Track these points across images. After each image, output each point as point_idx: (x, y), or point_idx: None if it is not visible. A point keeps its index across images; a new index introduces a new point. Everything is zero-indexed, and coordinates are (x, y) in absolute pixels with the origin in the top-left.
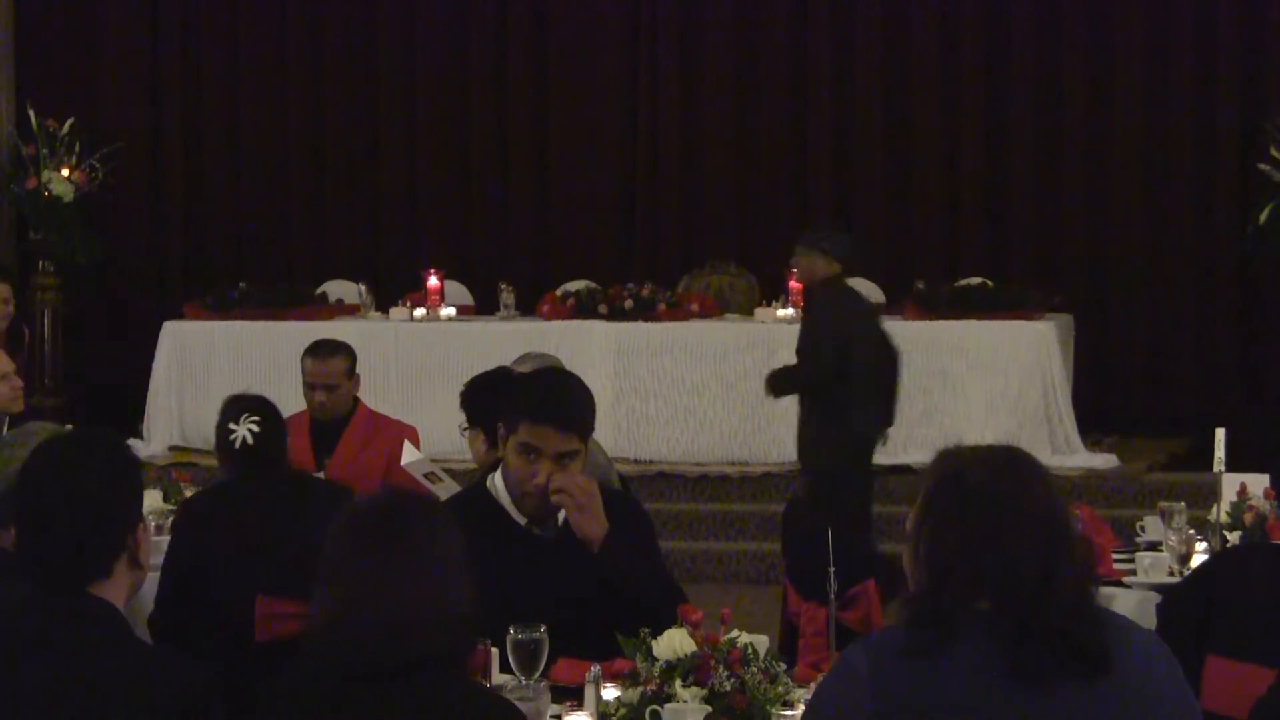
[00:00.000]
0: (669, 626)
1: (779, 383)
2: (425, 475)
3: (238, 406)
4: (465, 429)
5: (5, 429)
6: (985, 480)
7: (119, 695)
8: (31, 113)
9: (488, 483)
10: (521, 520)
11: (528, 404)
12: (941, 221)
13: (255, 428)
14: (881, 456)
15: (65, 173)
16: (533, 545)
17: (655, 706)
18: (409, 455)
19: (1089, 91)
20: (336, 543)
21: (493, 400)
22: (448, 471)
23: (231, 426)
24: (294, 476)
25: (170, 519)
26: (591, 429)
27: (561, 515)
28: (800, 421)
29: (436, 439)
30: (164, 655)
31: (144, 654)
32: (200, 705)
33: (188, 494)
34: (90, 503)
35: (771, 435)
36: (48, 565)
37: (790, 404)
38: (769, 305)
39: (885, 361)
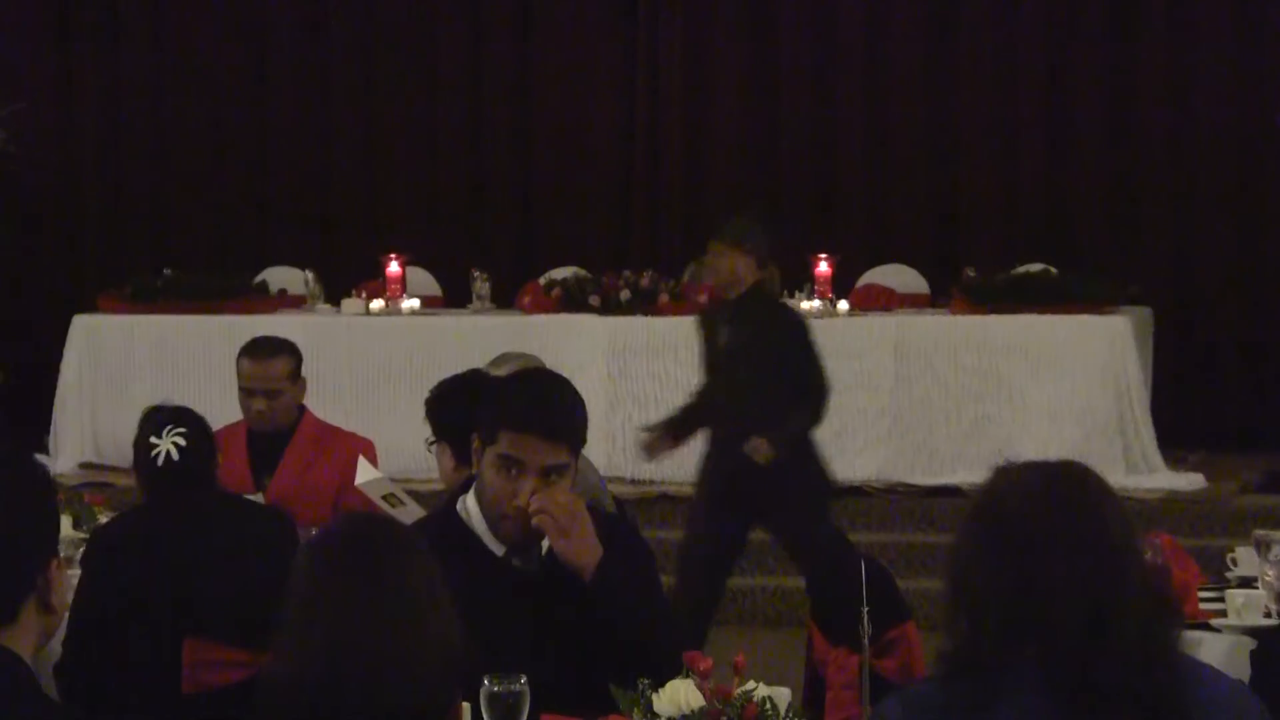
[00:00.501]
0: (672, 676)
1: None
2: (384, 497)
3: (159, 418)
4: (431, 442)
5: None
6: (1025, 504)
7: None
8: None
9: (458, 505)
10: (498, 550)
11: (509, 409)
12: (995, 198)
13: (181, 441)
14: (925, 476)
15: None
16: (511, 580)
17: None
18: (365, 474)
19: (1169, 52)
20: (301, 582)
21: (464, 408)
22: (410, 493)
23: (153, 441)
24: (226, 500)
25: (80, 549)
26: (583, 441)
27: (546, 543)
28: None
29: (397, 454)
30: (73, 715)
31: (51, 713)
32: None
33: (102, 519)
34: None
35: None
36: None
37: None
38: (791, 296)
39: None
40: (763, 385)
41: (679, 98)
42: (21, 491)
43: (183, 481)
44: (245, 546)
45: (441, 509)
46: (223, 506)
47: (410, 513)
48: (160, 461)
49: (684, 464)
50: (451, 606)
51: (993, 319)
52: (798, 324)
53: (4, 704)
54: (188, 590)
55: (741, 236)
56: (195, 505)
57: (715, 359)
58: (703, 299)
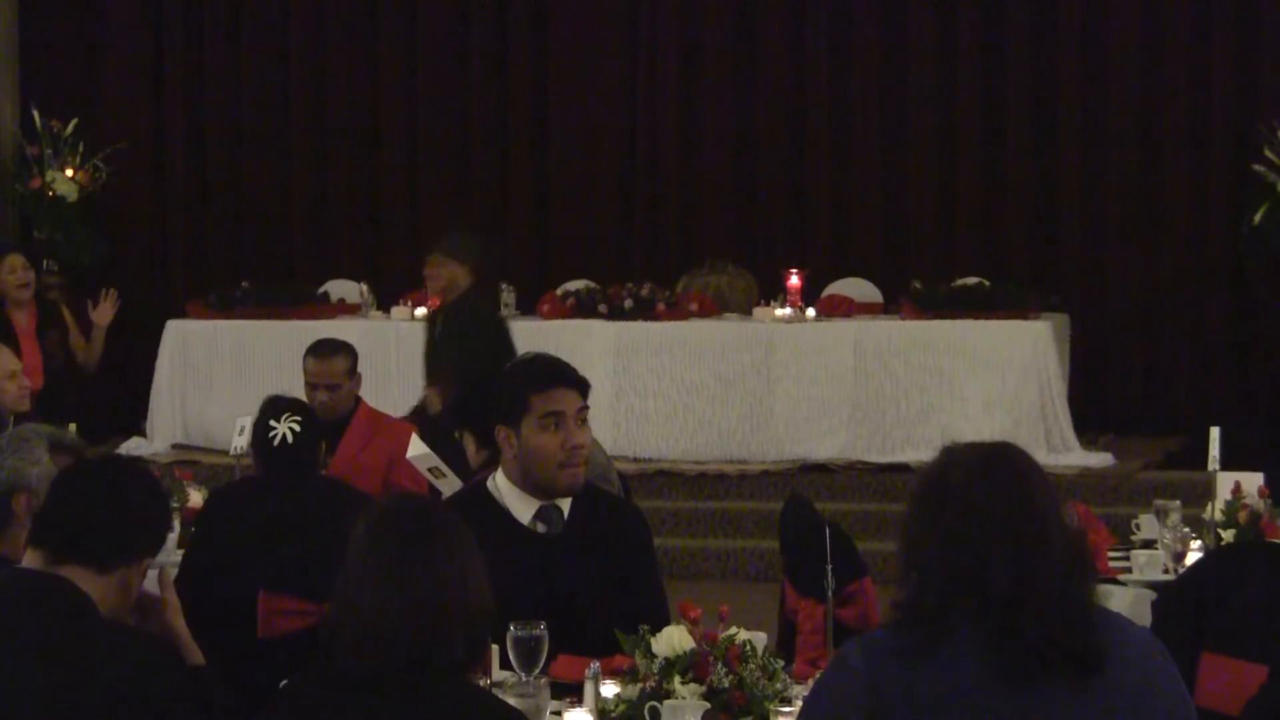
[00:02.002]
0: (667, 624)
1: None
2: (430, 470)
3: (279, 405)
4: (457, 435)
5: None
6: (963, 478)
7: (80, 669)
8: (36, 113)
9: (488, 483)
10: (525, 518)
11: (532, 378)
12: (938, 221)
13: (296, 427)
14: (880, 455)
15: (69, 173)
16: (535, 543)
17: (654, 703)
18: (415, 449)
19: (1084, 92)
20: (363, 544)
21: (480, 401)
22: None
23: (272, 424)
24: (324, 480)
25: (173, 517)
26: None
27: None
28: None
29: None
30: (124, 633)
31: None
32: (159, 683)
33: (191, 492)
34: (129, 506)
35: (770, 434)
36: (66, 540)
37: (790, 401)
38: (768, 304)
39: None
40: (460, 376)
41: (675, 137)
42: (152, 491)
43: (293, 461)
44: (324, 516)
45: (474, 487)
46: (319, 485)
47: (450, 484)
48: (276, 441)
49: (676, 443)
50: (483, 565)
51: (936, 323)
52: (497, 326)
53: (69, 621)
54: (270, 549)
55: (456, 248)
56: (298, 481)
57: (429, 352)
58: (693, 307)
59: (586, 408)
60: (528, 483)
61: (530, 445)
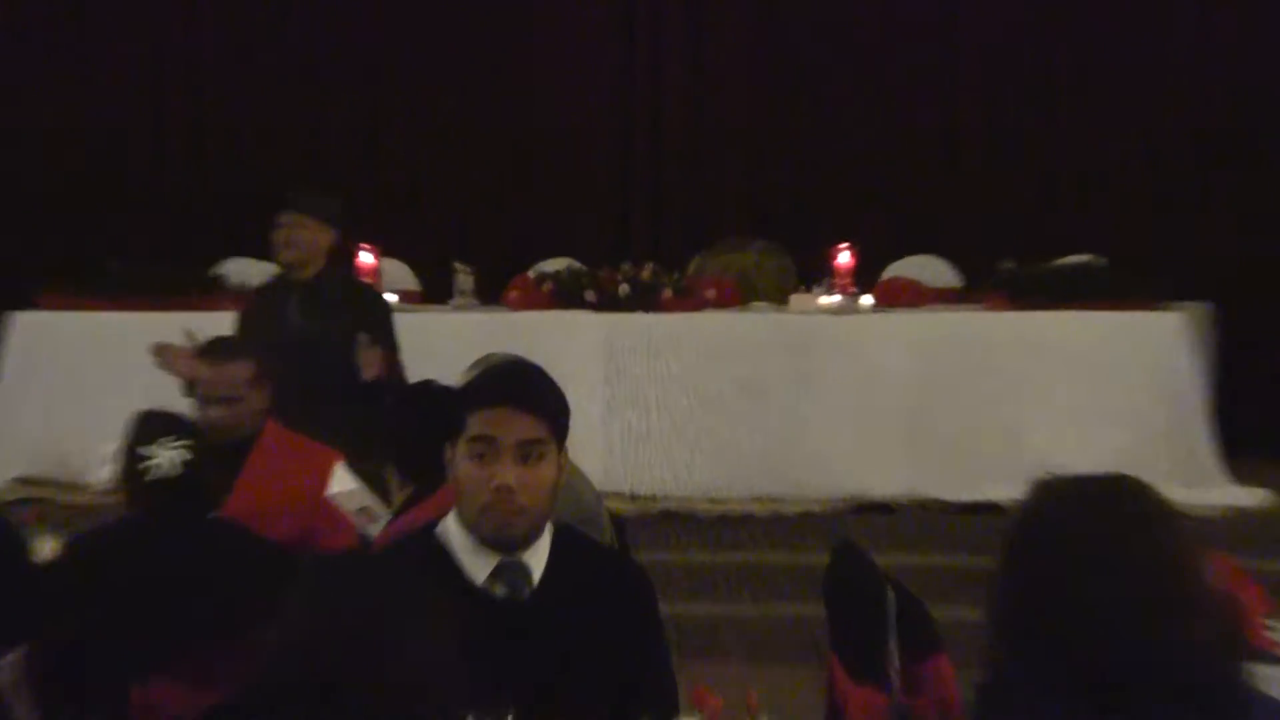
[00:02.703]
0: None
1: None
2: (359, 511)
3: (158, 425)
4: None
5: None
6: (1069, 522)
7: None
8: None
9: (438, 527)
10: (479, 576)
11: (474, 389)
12: (1036, 181)
13: (181, 455)
14: (956, 490)
15: None
16: (494, 612)
17: None
18: (341, 483)
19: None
20: (307, 611)
21: (426, 423)
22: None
23: (149, 450)
24: (222, 528)
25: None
26: (564, 427)
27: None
28: None
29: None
30: None
31: None
32: None
33: (42, 541)
34: None
35: (811, 463)
36: None
37: (838, 418)
38: (809, 290)
39: None
40: (334, 375)
41: (682, 75)
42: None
43: (178, 499)
44: (219, 574)
45: (419, 530)
46: (211, 531)
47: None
48: (155, 474)
49: (687, 475)
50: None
51: (1032, 316)
52: (382, 309)
53: None
54: (147, 619)
55: (322, 207)
56: (184, 527)
57: (282, 341)
58: (711, 294)
59: (541, 443)
60: (470, 527)
61: (456, 475)
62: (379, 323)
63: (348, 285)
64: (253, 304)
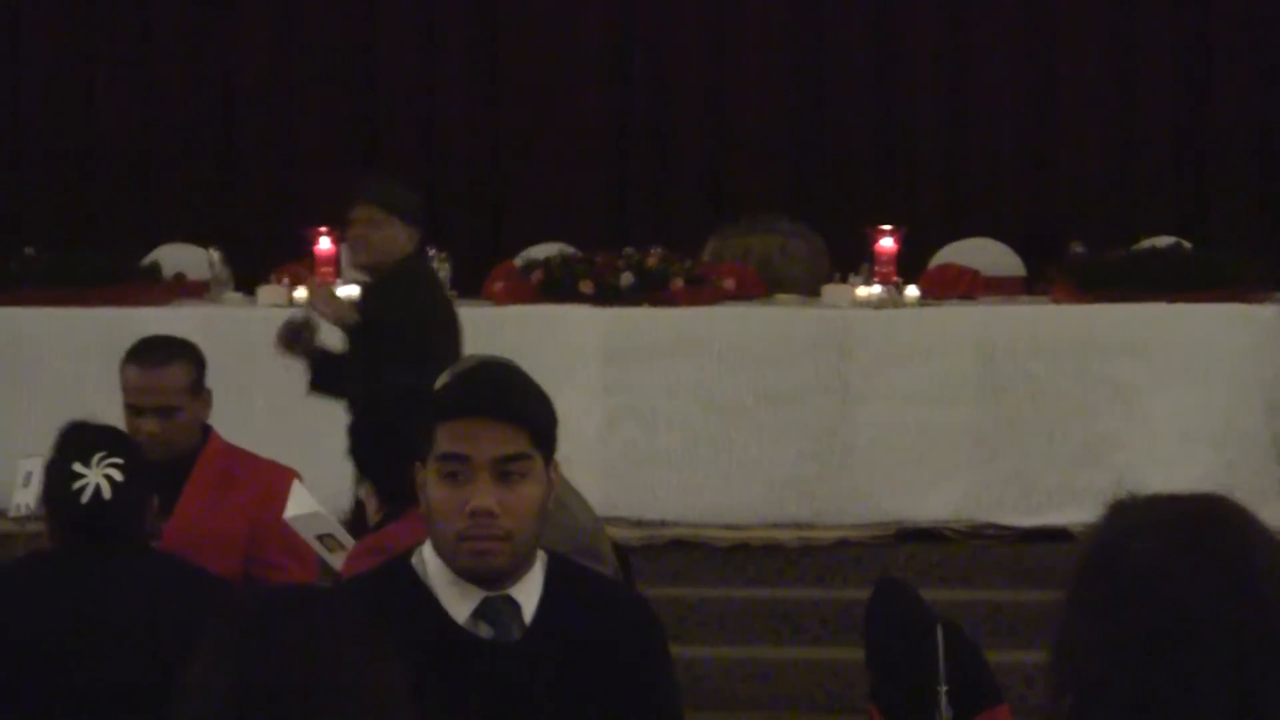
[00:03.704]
0: None
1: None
2: (320, 538)
3: (87, 441)
4: (358, 482)
5: None
6: (1152, 553)
7: None
8: None
9: (413, 558)
10: (461, 614)
11: (443, 398)
12: (1111, 154)
13: (114, 474)
14: (1020, 515)
15: None
16: (478, 653)
17: None
18: (298, 505)
19: None
20: (218, 668)
21: (391, 434)
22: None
23: (77, 469)
24: (158, 560)
25: None
26: (551, 438)
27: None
28: None
29: (328, 492)
30: None
31: None
32: None
33: None
34: None
35: (848, 482)
36: None
37: (880, 430)
38: (845, 280)
39: None
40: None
41: (691, 27)
42: None
43: (110, 527)
44: (154, 611)
45: (391, 562)
46: (147, 563)
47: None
48: (85, 497)
49: (701, 497)
50: (404, 687)
51: (1107, 309)
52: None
53: None
54: (73, 664)
55: (395, 199)
56: (116, 558)
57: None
58: (729, 284)
59: (522, 456)
60: (447, 558)
61: (428, 500)
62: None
63: (424, 287)
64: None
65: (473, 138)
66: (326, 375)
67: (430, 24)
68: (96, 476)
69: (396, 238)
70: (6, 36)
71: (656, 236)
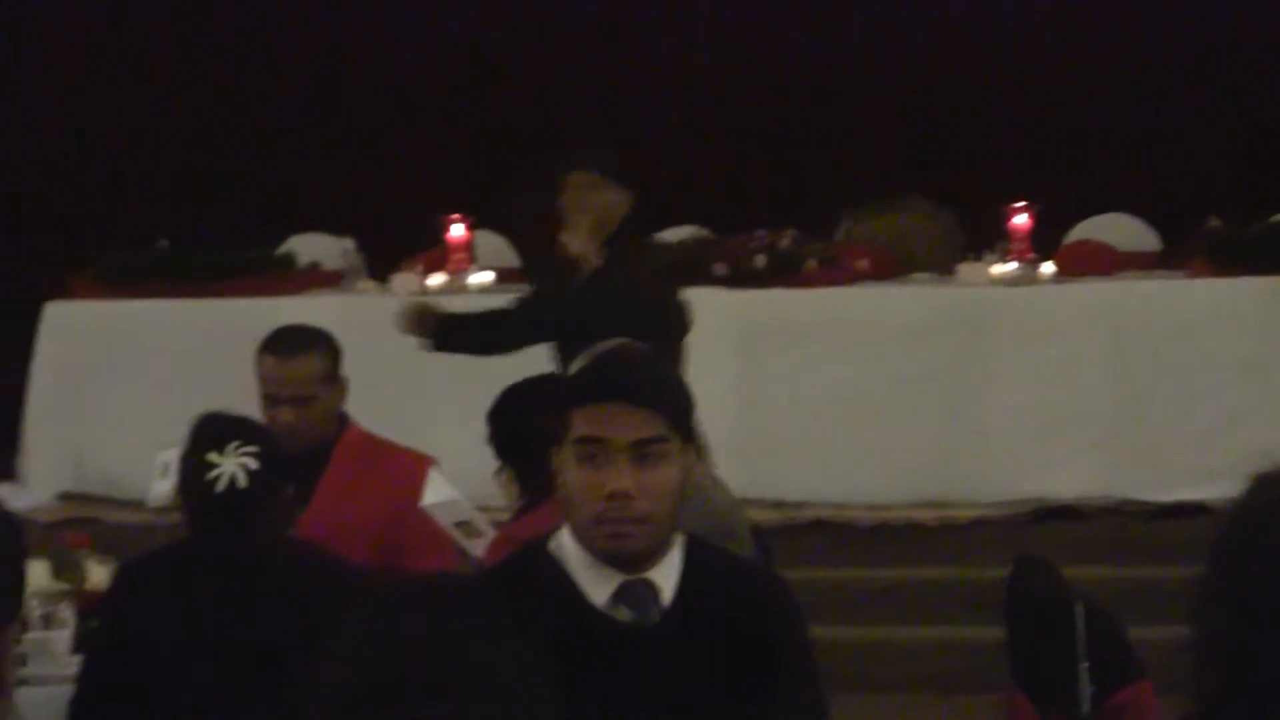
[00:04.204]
0: None
1: None
2: (457, 525)
3: (221, 431)
4: (498, 470)
5: None
6: None
7: None
8: None
9: (550, 543)
10: (600, 598)
11: (579, 383)
12: (1246, 127)
13: (251, 463)
14: (1156, 489)
15: None
16: (617, 638)
17: None
18: (437, 493)
19: None
20: (360, 659)
21: (531, 421)
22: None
23: (212, 459)
24: (296, 548)
25: (64, 604)
26: (688, 422)
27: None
28: None
29: (465, 481)
30: None
31: None
32: None
33: (90, 566)
34: None
35: (986, 461)
36: None
37: (1016, 409)
38: (979, 259)
39: None
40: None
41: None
42: None
43: (245, 516)
44: (290, 600)
45: (532, 548)
46: (283, 552)
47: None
48: (220, 487)
49: (839, 478)
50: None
51: (1247, 283)
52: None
53: None
54: (209, 652)
55: (613, 166)
56: (252, 547)
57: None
58: (863, 265)
59: (661, 441)
60: (584, 542)
61: (565, 483)
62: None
63: (647, 257)
64: (544, 276)
65: (600, 120)
66: (452, 337)
67: (552, 6)
68: (231, 466)
69: (612, 203)
70: (140, 32)
71: (789, 217)
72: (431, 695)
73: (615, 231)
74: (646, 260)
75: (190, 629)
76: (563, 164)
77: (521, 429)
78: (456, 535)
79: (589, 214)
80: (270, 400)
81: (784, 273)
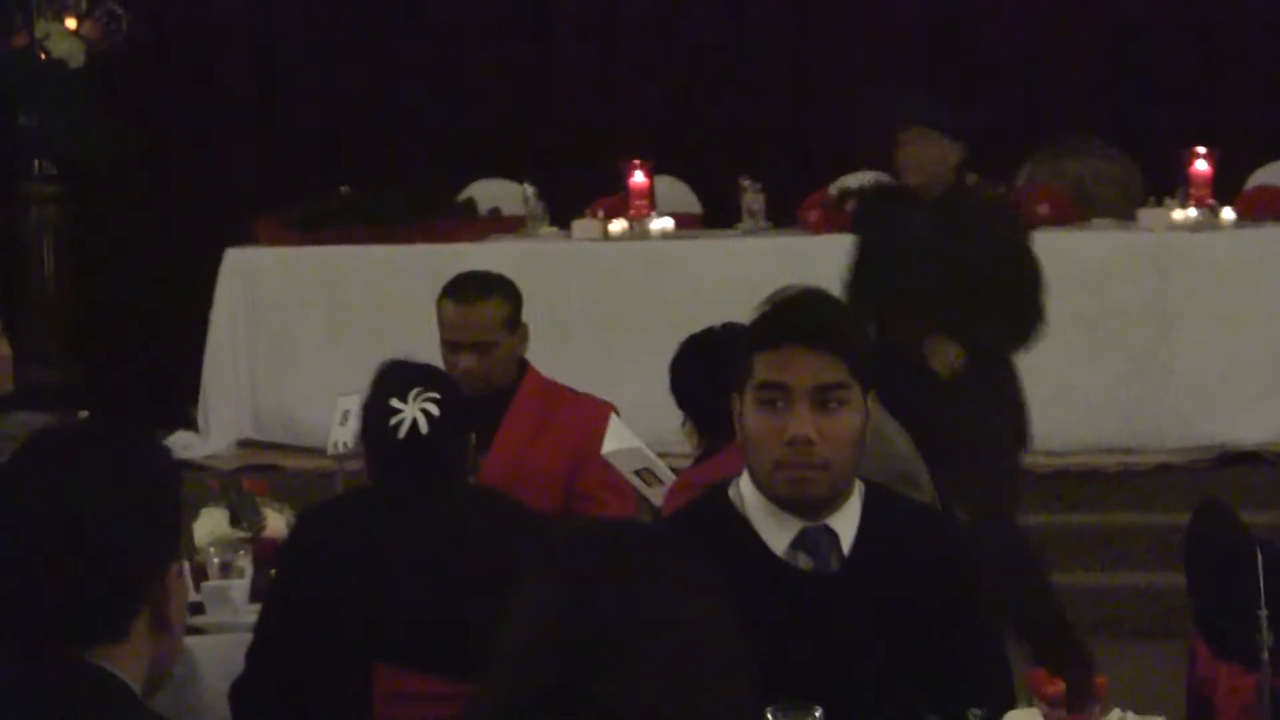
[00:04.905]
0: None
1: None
2: (638, 473)
3: (404, 377)
4: (684, 422)
5: None
6: None
7: None
8: None
9: (730, 490)
10: (779, 546)
11: (759, 327)
12: None
13: (433, 409)
14: None
15: (71, 23)
16: (797, 585)
17: None
18: (616, 439)
19: None
20: (543, 602)
21: (709, 371)
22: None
23: (395, 404)
24: (478, 494)
25: (242, 552)
26: (869, 366)
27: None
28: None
29: (646, 424)
30: None
31: None
32: None
33: (269, 514)
34: (95, 532)
35: (1167, 407)
36: (29, 620)
37: (1197, 354)
38: (1160, 204)
39: None
40: (963, 291)
41: None
42: (134, 478)
43: (429, 460)
44: (474, 546)
45: (710, 494)
46: (466, 497)
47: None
48: (403, 433)
49: None
50: (729, 621)
51: None
52: (1020, 226)
53: None
54: (391, 599)
55: (946, 118)
56: (435, 493)
57: (902, 259)
58: (1043, 209)
59: (841, 385)
60: (764, 488)
61: (745, 429)
62: (1019, 251)
63: (981, 198)
64: (868, 218)
65: (783, 68)
66: None
67: None
68: (413, 411)
69: (946, 157)
70: None
71: (969, 161)
72: (618, 640)
73: (952, 184)
74: (977, 195)
75: (371, 576)
76: (896, 117)
77: (700, 375)
78: (637, 482)
79: (923, 168)
80: (451, 346)
81: None
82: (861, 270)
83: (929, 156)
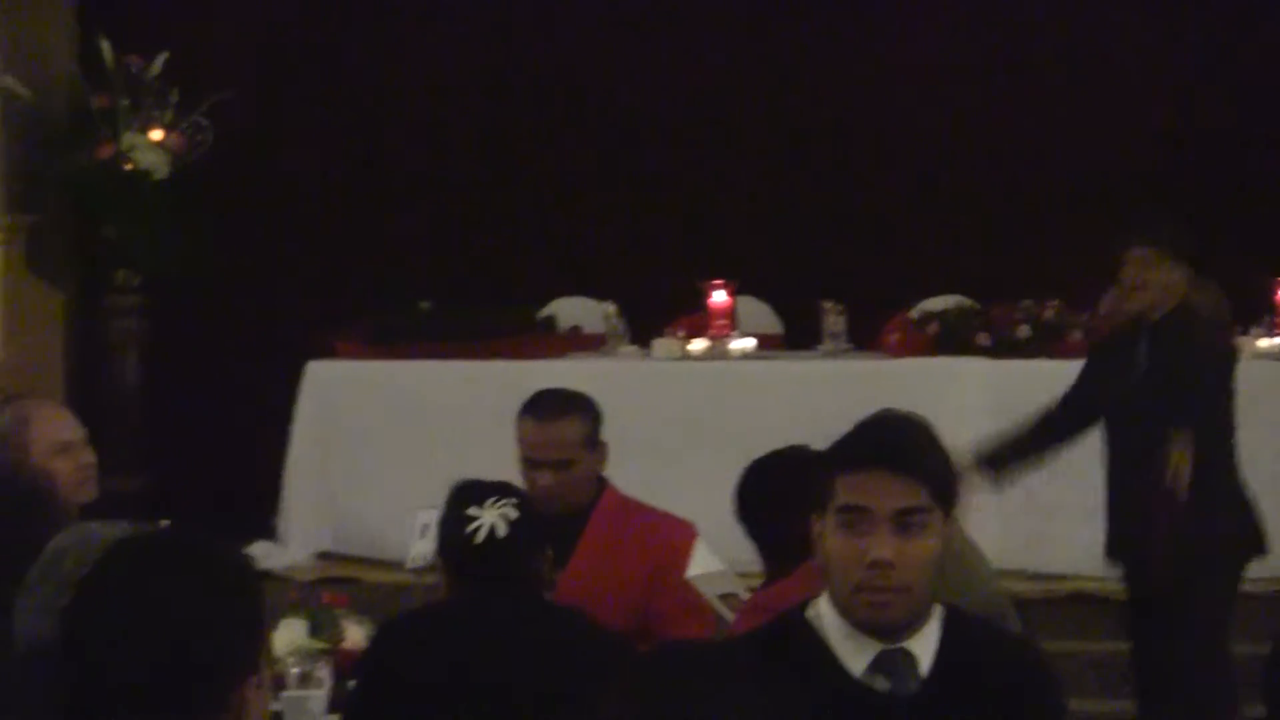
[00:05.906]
0: None
1: None
2: (722, 597)
3: (479, 490)
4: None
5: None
6: None
7: None
8: (105, 45)
9: (808, 610)
10: (858, 667)
11: (842, 449)
12: None
13: (513, 513)
14: None
15: (156, 135)
16: (877, 706)
17: None
18: (703, 563)
19: None
20: None
21: (783, 495)
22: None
23: (470, 513)
24: (554, 611)
25: (321, 663)
26: (951, 491)
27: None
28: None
29: (727, 545)
30: None
31: None
32: None
33: (349, 626)
34: (181, 641)
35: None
36: None
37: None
38: (1245, 333)
39: None
40: (1172, 412)
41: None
42: (215, 585)
43: (506, 570)
44: (550, 662)
45: (787, 615)
46: (542, 612)
47: None
48: (480, 539)
49: (1101, 554)
50: None
51: None
52: (1228, 355)
53: None
54: (462, 716)
55: (1171, 239)
56: (512, 603)
57: (1121, 390)
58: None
59: (922, 509)
60: (842, 609)
61: (825, 551)
62: (1219, 367)
63: (1198, 322)
64: (1102, 346)
65: (867, 191)
66: (1012, 465)
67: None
68: (491, 517)
69: (1173, 280)
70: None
71: (1054, 288)
72: None
73: (1179, 308)
74: (1194, 319)
75: (451, 687)
76: (1122, 237)
77: (766, 499)
78: (718, 606)
79: (1149, 291)
80: (530, 464)
81: (1047, 343)
82: (1081, 388)
83: (1150, 280)
